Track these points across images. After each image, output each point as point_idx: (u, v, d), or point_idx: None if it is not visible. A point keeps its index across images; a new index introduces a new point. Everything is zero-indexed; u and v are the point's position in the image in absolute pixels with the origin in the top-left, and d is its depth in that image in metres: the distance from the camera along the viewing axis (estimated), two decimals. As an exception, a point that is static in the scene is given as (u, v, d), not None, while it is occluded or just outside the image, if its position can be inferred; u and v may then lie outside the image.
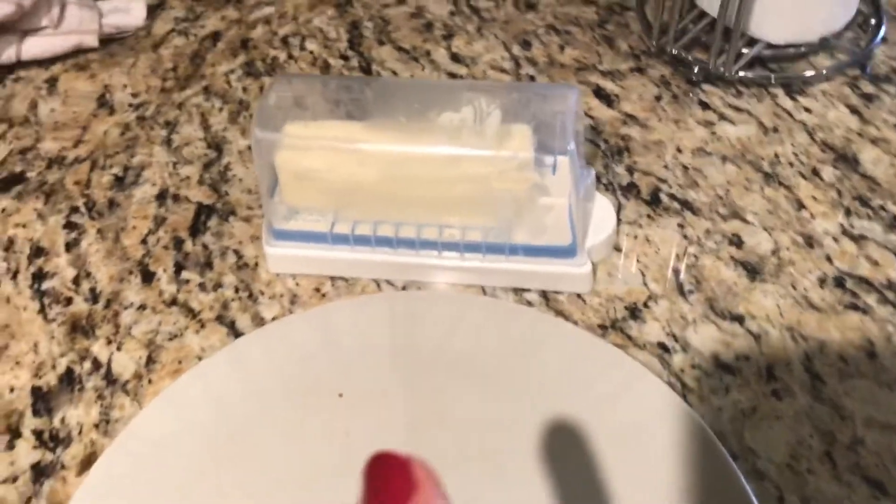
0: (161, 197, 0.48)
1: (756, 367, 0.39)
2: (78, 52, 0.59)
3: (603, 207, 0.44)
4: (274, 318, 0.41)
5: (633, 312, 0.41)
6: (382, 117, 0.41)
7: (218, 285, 0.43)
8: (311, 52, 0.59)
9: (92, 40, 0.59)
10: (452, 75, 0.56)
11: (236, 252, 0.45)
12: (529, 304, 0.42)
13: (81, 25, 0.58)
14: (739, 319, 0.41)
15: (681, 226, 0.45)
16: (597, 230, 0.43)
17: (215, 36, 0.61)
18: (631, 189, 0.47)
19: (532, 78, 0.55)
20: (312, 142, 0.41)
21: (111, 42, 0.60)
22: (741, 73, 0.53)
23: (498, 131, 0.40)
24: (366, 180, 0.41)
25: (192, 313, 0.42)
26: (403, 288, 0.43)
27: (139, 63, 0.58)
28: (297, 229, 0.43)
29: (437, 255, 0.43)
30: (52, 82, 0.57)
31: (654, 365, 0.39)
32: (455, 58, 0.57)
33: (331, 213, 0.43)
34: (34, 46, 0.58)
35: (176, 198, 0.48)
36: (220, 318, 0.42)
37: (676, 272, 0.43)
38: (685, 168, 0.49)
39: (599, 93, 0.54)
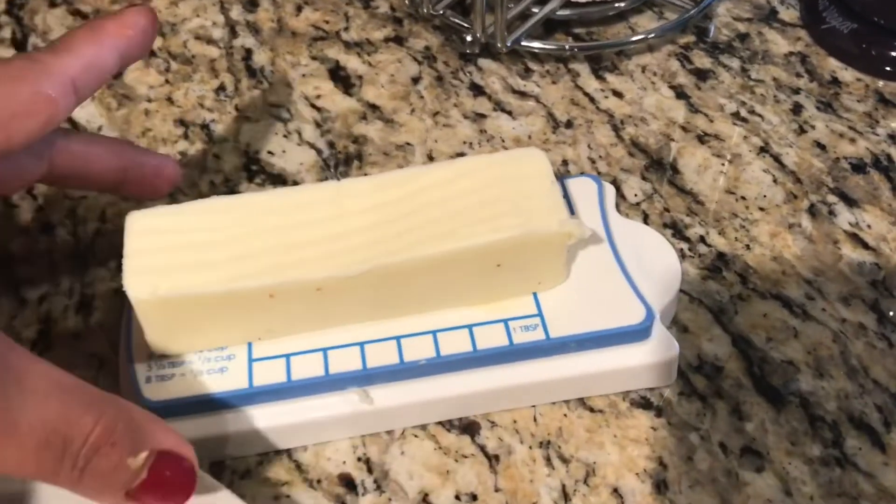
0: None
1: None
2: None
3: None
4: None
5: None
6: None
7: None
8: (-51, 19, 0.42)
9: None
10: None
11: None
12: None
13: None
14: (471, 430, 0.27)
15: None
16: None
17: None
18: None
19: (248, 51, 0.40)
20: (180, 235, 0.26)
21: None
22: (535, 44, 0.38)
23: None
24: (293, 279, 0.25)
25: None
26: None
27: None
28: (188, 394, 0.26)
29: (435, 380, 0.27)
30: None
31: None
32: (150, 24, 0.41)
33: (240, 345, 0.27)
34: None
35: None
36: None
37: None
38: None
39: (336, 73, 0.39)
